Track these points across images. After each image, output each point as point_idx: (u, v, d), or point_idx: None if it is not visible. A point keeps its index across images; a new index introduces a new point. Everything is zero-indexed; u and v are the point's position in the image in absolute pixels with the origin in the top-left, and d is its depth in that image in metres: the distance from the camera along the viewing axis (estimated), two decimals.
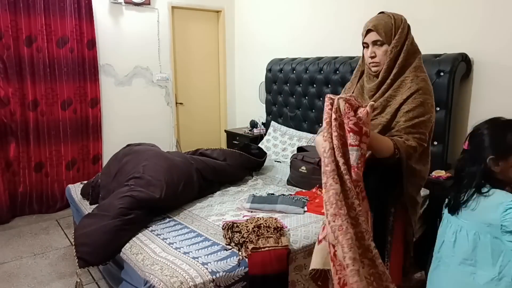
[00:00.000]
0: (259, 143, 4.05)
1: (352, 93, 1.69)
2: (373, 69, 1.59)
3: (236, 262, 1.85)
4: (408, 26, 1.57)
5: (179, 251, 1.94)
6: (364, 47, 1.61)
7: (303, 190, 2.80)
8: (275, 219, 2.12)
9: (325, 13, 3.83)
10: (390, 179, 1.56)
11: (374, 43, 1.56)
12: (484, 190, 1.34)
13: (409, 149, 1.48)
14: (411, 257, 1.73)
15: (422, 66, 1.58)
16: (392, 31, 1.54)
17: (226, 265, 1.83)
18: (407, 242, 1.68)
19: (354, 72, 1.75)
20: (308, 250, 2.07)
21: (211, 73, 5.21)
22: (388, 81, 1.56)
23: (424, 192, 2.75)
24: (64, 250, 3.07)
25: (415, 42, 1.60)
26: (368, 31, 1.56)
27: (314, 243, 2.07)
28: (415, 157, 1.55)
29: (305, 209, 2.43)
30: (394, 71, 1.54)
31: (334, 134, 1.31)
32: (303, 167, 2.89)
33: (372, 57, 1.57)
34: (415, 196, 1.64)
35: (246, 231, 1.98)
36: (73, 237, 2.16)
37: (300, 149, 3.28)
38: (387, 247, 1.59)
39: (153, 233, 2.17)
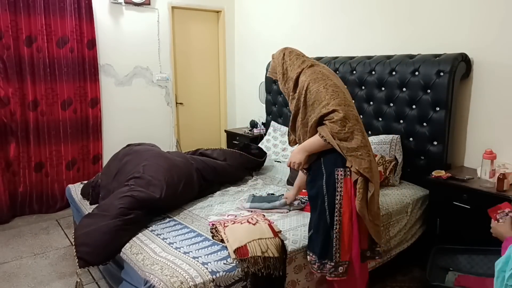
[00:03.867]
0: (259, 143, 4.05)
1: None
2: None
3: (235, 263, 1.85)
4: (284, 56, 2.02)
5: (179, 251, 1.94)
6: None
7: (303, 190, 2.80)
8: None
9: (325, 13, 3.83)
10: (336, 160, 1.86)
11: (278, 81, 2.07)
12: None
13: (332, 134, 1.79)
14: (373, 244, 1.91)
15: (307, 71, 1.92)
16: (273, 68, 2.08)
17: (226, 265, 1.83)
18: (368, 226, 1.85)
19: None
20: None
21: (211, 73, 5.22)
22: (291, 109, 2.00)
23: (423, 192, 2.76)
24: (64, 250, 3.07)
25: (289, 64, 1.99)
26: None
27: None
28: (346, 133, 1.80)
29: (305, 204, 2.43)
30: (290, 99, 2.01)
31: None
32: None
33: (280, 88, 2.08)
34: (358, 167, 1.81)
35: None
36: (73, 237, 2.16)
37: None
38: (335, 228, 1.82)
39: (153, 233, 2.17)
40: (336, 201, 1.81)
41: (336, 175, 1.82)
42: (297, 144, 2.05)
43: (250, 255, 1.83)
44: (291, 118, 2.01)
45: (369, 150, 1.86)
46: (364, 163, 1.79)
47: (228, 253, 1.88)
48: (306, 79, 1.87)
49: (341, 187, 1.81)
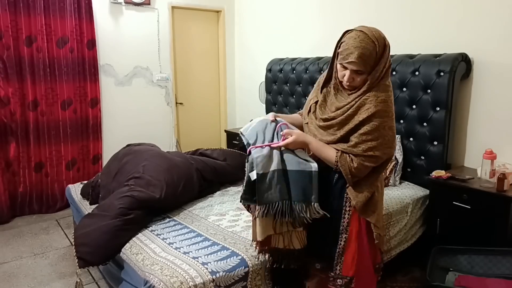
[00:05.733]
0: None
1: (316, 101, 1.74)
2: (347, 88, 1.62)
3: (236, 262, 1.85)
4: (389, 51, 1.54)
5: (179, 251, 1.94)
6: (339, 63, 1.58)
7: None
8: None
9: (325, 13, 3.83)
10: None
11: (355, 71, 1.54)
12: None
13: (351, 170, 1.58)
14: (382, 260, 1.80)
15: (386, 84, 1.57)
16: (374, 61, 1.51)
17: (226, 265, 1.83)
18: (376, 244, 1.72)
19: (323, 76, 1.75)
20: None
21: (211, 73, 5.22)
22: (352, 98, 1.59)
23: (423, 192, 2.76)
24: (64, 250, 3.07)
25: (390, 60, 1.57)
26: (351, 62, 1.51)
27: None
28: (357, 177, 1.60)
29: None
30: (361, 90, 1.57)
31: None
32: None
33: (349, 82, 1.57)
34: (363, 205, 1.64)
35: None
36: (73, 237, 2.16)
37: None
38: (339, 244, 1.69)
39: (153, 233, 2.17)
40: (343, 221, 1.67)
41: (346, 195, 1.67)
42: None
43: (273, 245, 1.71)
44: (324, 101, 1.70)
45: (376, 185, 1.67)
46: (361, 196, 1.63)
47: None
48: (377, 105, 1.54)
49: (349, 206, 1.67)
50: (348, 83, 1.58)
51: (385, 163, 1.64)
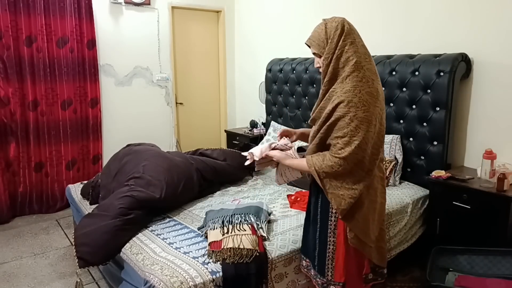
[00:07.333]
0: (259, 143, 4.05)
1: None
2: (321, 77, 1.68)
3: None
4: (341, 33, 1.54)
5: (179, 251, 1.94)
6: None
7: (303, 190, 2.80)
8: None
9: (325, 13, 3.81)
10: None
11: (315, 54, 1.63)
12: None
13: (325, 169, 1.56)
14: (376, 266, 1.74)
15: (352, 75, 1.52)
16: (324, 42, 1.57)
17: None
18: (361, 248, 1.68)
19: None
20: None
21: (211, 73, 5.22)
22: (321, 91, 1.64)
23: (423, 192, 2.76)
24: (64, 250, 3.07)
25: (352, 48, 1.54)
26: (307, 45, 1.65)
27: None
28: (338, 173, 1.55)
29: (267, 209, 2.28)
30: (325, 81, 1.61)
31: None
32: None
33: (318, 67, 1.66)
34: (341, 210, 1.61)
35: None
36: (73, 237, 2.16)
37: (299, 149, 3.26)
38: (328, 247, 1.69)
39: (153, 233, 2.17)
40: (330, 223, 1.67)
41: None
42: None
43: (223, 247, 1.87)
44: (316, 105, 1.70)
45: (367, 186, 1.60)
46: (344, 203, 1.56)
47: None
48: (341, 95, 1.53)
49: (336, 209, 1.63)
50: (315, 67, 1.68)
51: (362, 162, 1.55)
